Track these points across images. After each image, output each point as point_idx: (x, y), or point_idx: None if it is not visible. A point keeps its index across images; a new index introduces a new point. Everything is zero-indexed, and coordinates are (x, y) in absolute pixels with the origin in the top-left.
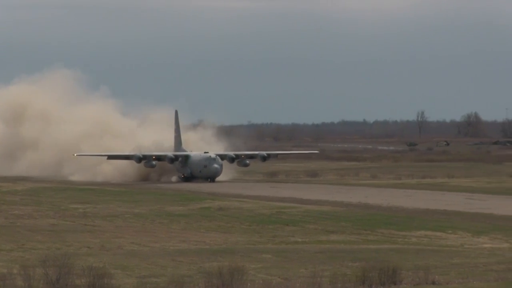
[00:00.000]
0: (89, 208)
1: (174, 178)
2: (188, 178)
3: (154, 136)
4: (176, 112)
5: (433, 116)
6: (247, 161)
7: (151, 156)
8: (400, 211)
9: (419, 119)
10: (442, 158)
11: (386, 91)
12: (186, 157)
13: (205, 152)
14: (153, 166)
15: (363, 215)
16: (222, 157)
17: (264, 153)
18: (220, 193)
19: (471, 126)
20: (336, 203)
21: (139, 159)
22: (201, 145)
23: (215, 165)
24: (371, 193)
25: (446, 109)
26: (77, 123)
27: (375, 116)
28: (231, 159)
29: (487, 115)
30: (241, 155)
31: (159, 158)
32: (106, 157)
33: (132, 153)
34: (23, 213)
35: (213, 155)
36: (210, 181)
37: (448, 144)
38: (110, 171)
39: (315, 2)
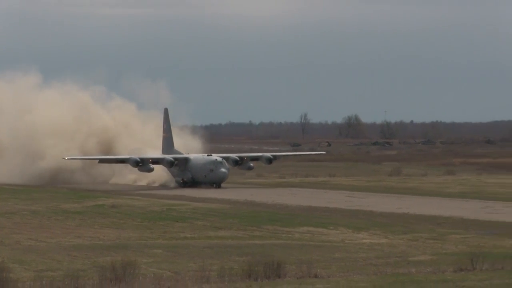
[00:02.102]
0: None
1: (172, 184)
2: (188, 183)
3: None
4: (166, 111)
5: (315, 118)
6: (251, 164)
7: (148, 159)
8: (284, 208)
9: (302, 121)
10: (324, 158)
11: (271, 94)
12: (186, 160)
13: (208, 155)
14: (150, 170)
15: (249, 212)
16: (225, 159)
17: (269, 155)
18: (113, 191)
19: (351, 128)
20: (224, 200)
21: (136, 162)
22: None
23: (223, 170)
24: (256, 191)
25: (328, 111)
26: None
27: (260, 118)
28: (235, 162)
29: (366, 118)
30: (244, 157)
31: (156, 161)
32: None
33: (127, 156)
34: None
35: (219, 159)
36: (215, 187)
37: (329, 145)
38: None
39: (201, 10)
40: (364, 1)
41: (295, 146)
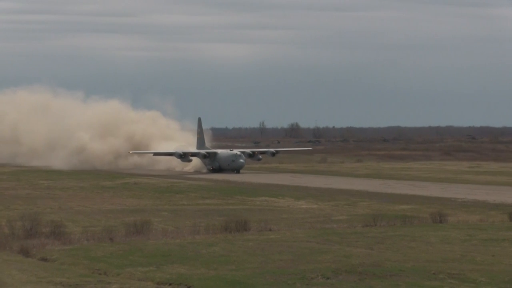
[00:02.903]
0: (51, 183)
1: (204, 170)
2: (216, 170)
3: None
4: (199, 119)
5: (270, 124)
6: (260, 156)
7: (188, 153)
8: (249, 184)
9: (261, 126)
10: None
11: (240, 108)
12: (214, 154)
13: (230, 150)
14: (189, 161)
15: (225, 187)
16: (242, 153)
17: (273, 150)
18: (135, 174)
19: (293, 131)
20: (208, 179)
21: (180, 155)
22: None
23: (241, 160)
24: (230, 175)
25: (278, 119)
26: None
27: (233, 124)
28: (249, 155)
29: (303, 124)
30: (255, 151)
31: (194, 154)
32: (152, 154)
33: (174, 151)
34: (8, 186)
35: (238, 153)
36: (236, 173)
37: (279, 142)
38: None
39: (193, 53)
40: (298, 46)
41: (256, 143)
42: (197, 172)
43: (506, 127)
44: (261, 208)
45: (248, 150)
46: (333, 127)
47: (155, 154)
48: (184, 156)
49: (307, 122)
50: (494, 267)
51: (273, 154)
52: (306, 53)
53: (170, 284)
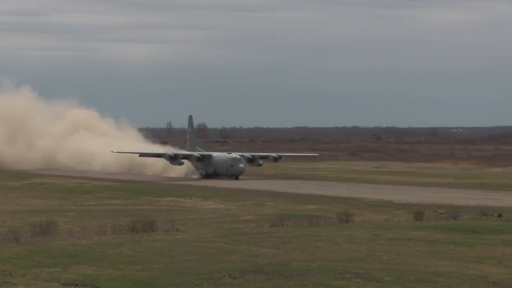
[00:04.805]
0: None
1: (197, 175)
2: (210, 175)
3: None
4: (190, 117)
5: (177, 125)
6: (261, 161)
7: (179, 155)
8: (156, 184)
9: (168, 127)
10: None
11: (147, 108)
12: (209, 157)
13: (228, 153)
14: (181, 164)
15: (133, 187)
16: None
17: (275, 154)
18: (41, 174)
19: (201, 131)
20: (115, 180)
21: (171, 157)
22: None
23: (241, 165)
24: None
25: (185, 120)
26: None
27: (140, 124)
28: (249, 160)
29: (211, 124)
30: (255, 156)
31: (186, 157)
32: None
33: (163, 152)
34: None
35: (238, 156)
36: (234, 179)
37: (186, 143)
38: None
39: (106, 53)
40: (205, 47)
41: (163, 143)
42: (187, 178)
43: (411, 127)
44: (168, 208)
45: (247, 154)
46: (240, 127)
47: (141, 154)
48: (175, 158)
49: (214, 122)
50: (400, 266)
51: (275, 159)
52: (213, 54)
53: (76, 285)
